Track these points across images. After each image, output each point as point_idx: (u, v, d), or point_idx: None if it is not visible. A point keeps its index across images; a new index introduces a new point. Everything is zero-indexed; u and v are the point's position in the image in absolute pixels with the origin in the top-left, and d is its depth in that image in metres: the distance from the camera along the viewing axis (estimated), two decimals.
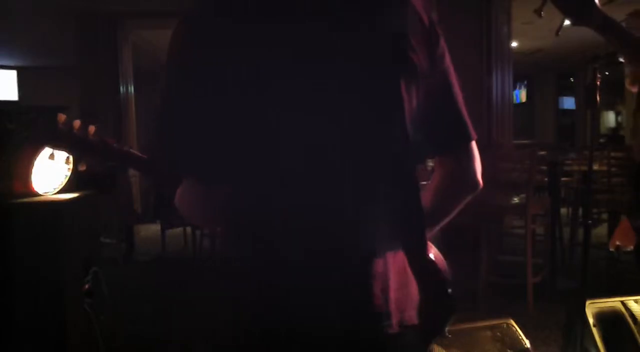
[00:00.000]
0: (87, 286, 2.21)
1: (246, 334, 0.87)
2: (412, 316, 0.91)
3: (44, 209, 2.15)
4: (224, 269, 0.93)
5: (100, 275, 2.31)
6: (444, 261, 1.05)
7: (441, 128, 0.98)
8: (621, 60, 1.82)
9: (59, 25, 6.89)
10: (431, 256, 1.03)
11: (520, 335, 1.99)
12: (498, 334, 1.96)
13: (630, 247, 1.87)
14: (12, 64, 10.52)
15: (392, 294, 0.87)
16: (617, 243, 1.88)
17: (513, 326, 2.02)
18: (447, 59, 0.97)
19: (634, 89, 1.80)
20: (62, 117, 0.85)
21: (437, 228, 1.04)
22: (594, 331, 1.96)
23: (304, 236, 0.84)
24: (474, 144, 0.99)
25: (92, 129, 0.86)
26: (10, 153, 2.20)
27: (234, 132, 0.84)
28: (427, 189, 1.01)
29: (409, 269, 0.91)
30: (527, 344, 1.96)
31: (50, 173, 2.26)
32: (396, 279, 0.89)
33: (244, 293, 0.88)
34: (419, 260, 0.91)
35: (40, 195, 2.22)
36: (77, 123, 0.86)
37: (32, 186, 2.18)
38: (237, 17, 0.85)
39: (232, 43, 0.83)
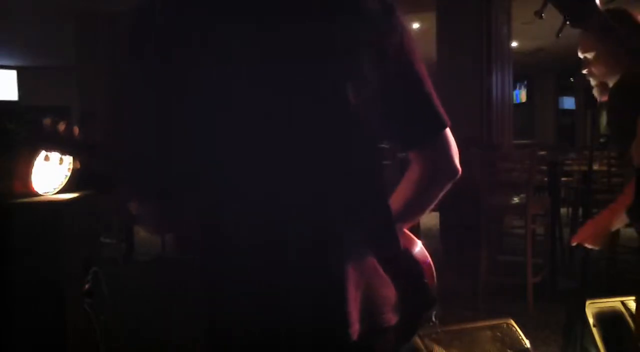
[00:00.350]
0: (87, 286, 2.21)
1: (206, 333, 0.88)
2: (389, 318, 0.89)
3: (44, 209, 2.15)
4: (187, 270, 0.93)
5: (100, 275, 2.30)
6: (426, 255, 1.05)
7: (412, 120, 0.95)
8: (584, 71, 1.83)
9: (59, 25, 6.89)
10: (417, 249, 1.03)
11: (520, 335, 1.99)
12: (498, 334, 1.96)
13: (596, 247, 1.84)
14: (12, 64, 10.53)
15: (359, 298, 0.85)
16: (580, 241, 1.84)
17: (513, 326, 2.02)
18: (408, 46, 0.92)
19: (604, 98, 1.81)
20: (47, 121, 0.89)
21: (418, 218, 1.04)
22: (594, 331, 1.96)
23: (258, 238, 0.83)
24: (448, 131, 0.97)
25: (76, 129, 0.90)
26: (10, 153, 2.20)
27: (172, 135, 0.83)
28: (406, 180, 1.01)
29: (382, 272, 0.89)
30: (527, 344, 1.96)
31: (50, 173, 2.26)
32: (366, 282, 0.87)
33: (201, 294, 0.88)
34: (389, 258, 0.90)
35: (40, 195, 2.22)
36: (62, 125, 0.90)
37: (32, 186, 2.18)
38: (183, 15, 0.84)
39: (176, 41, 0.82)
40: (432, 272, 1.04)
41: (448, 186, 1.01)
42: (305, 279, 0.83)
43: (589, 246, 1.82)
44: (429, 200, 1.02)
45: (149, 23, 0.86)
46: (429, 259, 1.05)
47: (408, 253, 1.01)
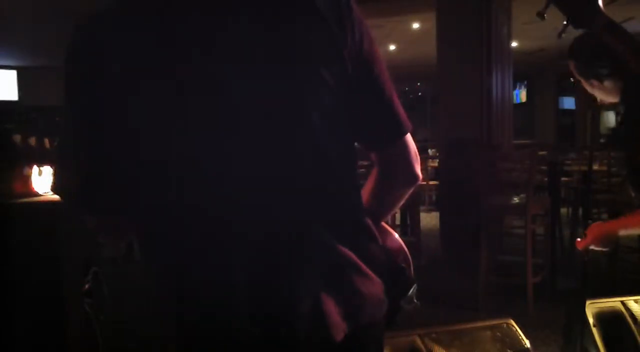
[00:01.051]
0: (87, 286, 2.21)
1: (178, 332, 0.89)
2: (378, 312, 0.89)
3: (44, 209, 2.15)
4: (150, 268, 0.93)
5: (100, 275, 2.31)
6: (397, 239, 1.06)
7: (372, 125, 0.94)
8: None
9: (59, 25, 6.90)
10: (389, 237, 1.04)
11: (520, 335, 1.98)
12: (498, 334, 1.96)
13: (603, 248, 1.85)
14: (12, 64, 10.53)
15: (341, 299, 0.84)
16: (592, 247, 1.85)
17: (513, 326, 2.02)
18: (369, 47, 0.90)
19: (602, 102, 1.84)
20: (17, 137, 0.88)
21: (383, 220, 1.04)
22: (594, 331, 1.96)
23: (232, 239, 0.81)
24: (408, 137, 0.96)
25: (47, 142, 0.89)
26: (10, 153, 2.20)
27: (147, 143, 0.81)
28: (368, 184, 1.01)
29: (365, 269, 0.88)
30: (527, 344, 1.96)
31: (50, 173, 2.27)
32: (347, 281, 0.86)
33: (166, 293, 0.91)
34: (370, 253, 0.90)
35: (40, 195, 2.22)
36: (32, 140, 0.89)
37: (32, 186, 2.19)
38: (155, 16, 0.82)
39: (145, 44, 0.81)
40: (407, 256, 1.05)
41: (407, 192, 1.02)
42: (270, 283, 0.82)
43: (596, 248, 1.83)
44: (391, 201, 1.04)
45: (114, 27, 0.85)
46: (401, 242, 1.06)
47: (382, 249, 0.99)
